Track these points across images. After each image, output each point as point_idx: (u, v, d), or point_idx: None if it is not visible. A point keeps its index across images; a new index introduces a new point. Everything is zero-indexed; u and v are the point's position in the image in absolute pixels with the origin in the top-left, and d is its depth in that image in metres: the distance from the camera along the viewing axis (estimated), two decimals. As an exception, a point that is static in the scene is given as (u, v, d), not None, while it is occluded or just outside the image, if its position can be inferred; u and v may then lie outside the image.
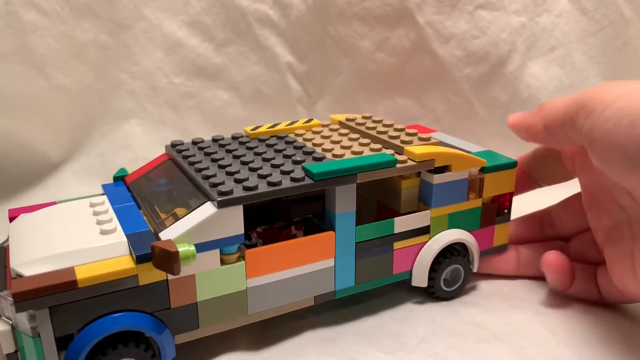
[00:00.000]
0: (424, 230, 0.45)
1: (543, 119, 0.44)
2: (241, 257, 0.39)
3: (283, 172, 0.40)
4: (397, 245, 0.44)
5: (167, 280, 0.36)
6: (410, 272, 0.45)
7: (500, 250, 0.50)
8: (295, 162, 0.42)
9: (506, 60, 0.76)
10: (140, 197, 0.43)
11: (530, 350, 0.41)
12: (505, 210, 0.48)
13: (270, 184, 0.38)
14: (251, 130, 0.49)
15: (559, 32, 0.78)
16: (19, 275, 0.34)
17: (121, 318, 0.35)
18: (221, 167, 0.41)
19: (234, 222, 0.37)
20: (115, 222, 0.39)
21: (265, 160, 0.43)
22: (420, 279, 0.45)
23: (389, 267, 0.44)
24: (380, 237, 0.43)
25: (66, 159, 0.76)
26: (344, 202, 0.41)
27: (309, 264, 0.41)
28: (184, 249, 0.35)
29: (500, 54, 0.76)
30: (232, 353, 0.41)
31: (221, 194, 0.37)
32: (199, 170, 0.41)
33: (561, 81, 0.80)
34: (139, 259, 0.35)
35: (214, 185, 0.38)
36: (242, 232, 0.38)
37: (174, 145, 0.47)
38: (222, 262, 0.38)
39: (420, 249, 0.45)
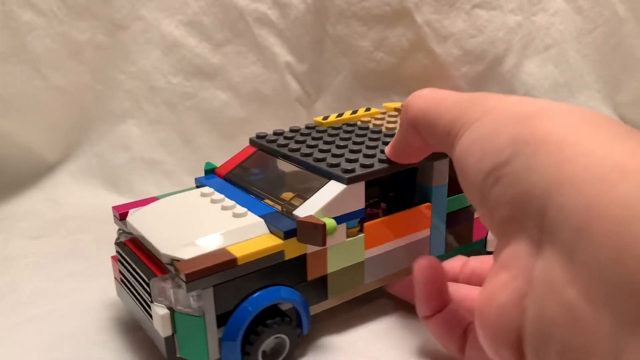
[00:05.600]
0: None
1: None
2: (360, 231, 0.42)
3: (382, 152, 0.43)
4: (477, 214, 0.48)
5: (305, 254, 0.39)
6: (485, 239, 0.50)
7: None
8: (386, 144, 0.44)
9: (502, 58, 0.77)
10: (246, 184, 0.46)
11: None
12: None
13: (381, 161, 0.42)
14: (322, 120, 0.54)
15: (555, 31, 0.79)
16: (176, 259, 0.36)
17: (274, 292, 0.38)
18: (322, 151, 0.45)
19: (358, 197, 0.40)
20: (241, 207, 0.41)
21: (356, 143, 0.46)
22: (494, 244, 0.49)
23: (470, 235, 0.48)
24: (464, 207, 0.47)
25: (63, 159, 0.75)
26: (440, 175, 0.44)
27: (410, 234, 0.44)
28: (329, 221, 0.37)
29: (496, 52, 0.76)
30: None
31: (346, 171, 0.40)
32: (306, 155, 0.44)
33: (556, 79, 0.81)
34: (286, 235, 0.38)
35: (333, 165, 0.41)
36: (364, 206, 0.41)
37: (260, 137, 0.50)
38: (347, 236, 0.41)
39: None
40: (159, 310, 0.36)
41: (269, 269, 0.37)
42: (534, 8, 0.78)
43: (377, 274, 0.43)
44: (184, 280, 0.34)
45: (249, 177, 0.47)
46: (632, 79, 0.84)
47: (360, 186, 0.40)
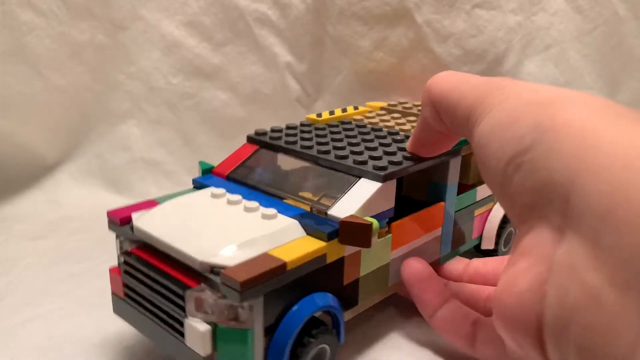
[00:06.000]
0: (492, 198, 0.50)
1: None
2: (388, 231, 0.40)
3: (400, 149, 0.42)
4: (476, 212, 0.49)
5: (344, 257, 0.37)
6: (481, 236, 0.50)
7: None
8: (397, 141, 0.45)
9: (503, 58, 0.77)
10: (256, 184, 0.43)
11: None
12: None
13: (406, 158, 0.41)
14: (317, 117, 0.53)
15: (555, 31, 0.79)
16: (219, 267, 0.32)
17: (317, 299, 0.35)
18: (338, 148, 0.43)
19: (390, 195, 0.39)
20: (268, 208, 0.38)
21: (367, 140, 0.45)
22: (488, 242, 0.50)
23: (470, 232, 0.49)
24: (468, 205, 0.48)
25: (63, 160, 0.75)
26: (454, 174, 0.44)
27: (426, 234, 0.44)
28: (373, 221, 0.35)
29: (497, 52, 0.76)
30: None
31: (381, 169, 0.39)
32: (324, 152, 0.42)
33: (556, 79, 0.81)
34: (329, 237, 0.35)
35: (361, 162, 0.40)
36: (394, 205, 0.39)
37: (260, 134, 0.47)
38: (378, 236, 0.39)
39: (488, 215, 0.50)
40: (199, 326, 0.32)
41: (311, 274, 0.34)
42: (534, 8, 0.77)
43: (397, 275, 0.42)
44: (239, 289, 0.30)
45: (256, 176, 0.44)
46: (632, 79, 0.84)
47: (393, 184, 0.39)
